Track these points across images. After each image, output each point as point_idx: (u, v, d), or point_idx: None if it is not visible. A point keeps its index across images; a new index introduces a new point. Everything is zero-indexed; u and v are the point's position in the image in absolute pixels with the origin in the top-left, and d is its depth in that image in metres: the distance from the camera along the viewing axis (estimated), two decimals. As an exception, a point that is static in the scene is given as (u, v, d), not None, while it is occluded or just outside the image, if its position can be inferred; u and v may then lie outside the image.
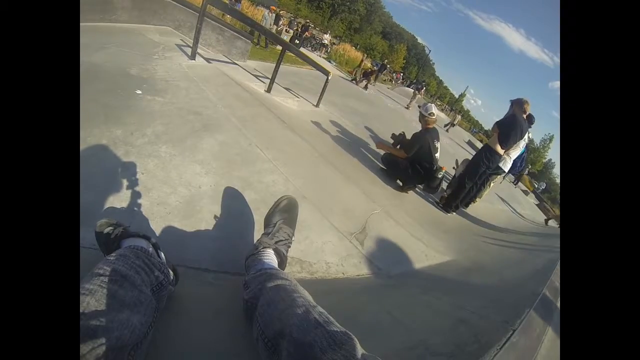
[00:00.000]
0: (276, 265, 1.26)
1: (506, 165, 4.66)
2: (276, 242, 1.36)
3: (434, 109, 4.30)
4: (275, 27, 16.19)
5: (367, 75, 15.29)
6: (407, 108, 15.41)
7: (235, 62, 5.47)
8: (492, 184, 5.41)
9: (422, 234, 2.90)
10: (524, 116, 4.13)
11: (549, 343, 1.26)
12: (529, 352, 1.17)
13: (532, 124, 4.84)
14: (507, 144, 4.05)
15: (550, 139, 58.79)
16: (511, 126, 3.99)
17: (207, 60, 4.40)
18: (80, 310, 0.66)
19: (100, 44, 3.27)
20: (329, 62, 18.63)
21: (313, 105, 5.58)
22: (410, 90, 20.88)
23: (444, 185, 4.76)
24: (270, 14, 16.02)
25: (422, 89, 19.70)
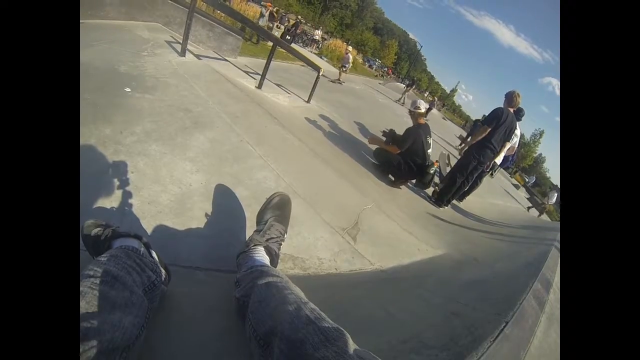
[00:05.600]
0: (267, 263, 1.25)
1: (498, 158, 4.70)
2: (267, 240, 1.35)
3: (420, 104, 4.31)
4: (269, 24, 16.12)
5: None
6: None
7: (226, 58, 5.43)
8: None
9: (414, 228, 2.91)
10: (513, 110, 4.15)
11: (542, 334, 1.27)
12: (521, 343, 1.18)
13: (522, 116, 4.88)
14: (496, 135, 4.06)
15: (541, 134, 59.44)
16: (494, 119, 4.01)
17: (197, 56, 4.37)
18: None
19: (88, 41, 3.22)
20: (320, 57, 18.60)
21: (304, 101, 5.56)
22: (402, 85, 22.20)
23: (436, 179, 4.79)
24: (266, 11, 15.97)
25: (412, 85, 21.26)
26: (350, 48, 18.27)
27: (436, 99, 23.01)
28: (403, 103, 16.72)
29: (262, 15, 15.23)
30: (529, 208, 12.74)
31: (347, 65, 14.68)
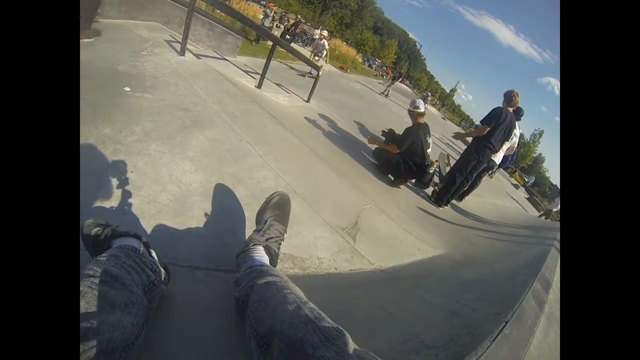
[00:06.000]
0: (267, 262, 1.25)
1: (497, 158, 4.71)
2: (267, 239, 1.35)
3: (419, 103, 4.31)
4: (270, 24, 16.21)
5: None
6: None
7: (226, 57, 5.42)
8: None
9: (414, 228, 2.91)
10: (512, 109, 4.15)
11: (541, 334, 1.27)
12: (521, 342, 1.18)
13: (522, 116, 4.88)
14: (495, 135, 4.06)
15: (540, 134, 59.44)
16: (493, 118, 4.01)
17: (197, 56, 4.36)
18: None
19: (87, 41, 3.22)
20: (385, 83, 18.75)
21: (304, 100, 5.56)
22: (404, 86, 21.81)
23: (436, 179, 4.79)
24: (271, 12, 16.07)
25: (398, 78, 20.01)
26: (325, 33, 14.86)
27: (429, 93, 22.46)
28: (387, 95, 16.33)
29: (266, 15, 15.29)
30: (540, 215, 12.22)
31: (320, 55, 12.75)
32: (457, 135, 4.82)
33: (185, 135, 2.25)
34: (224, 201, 1.89)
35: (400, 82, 18.80)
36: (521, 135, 5.28)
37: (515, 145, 5.16)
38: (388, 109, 12.33)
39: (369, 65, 44.09)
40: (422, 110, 4.28)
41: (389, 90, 17.14)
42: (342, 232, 2.19)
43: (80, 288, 0.72)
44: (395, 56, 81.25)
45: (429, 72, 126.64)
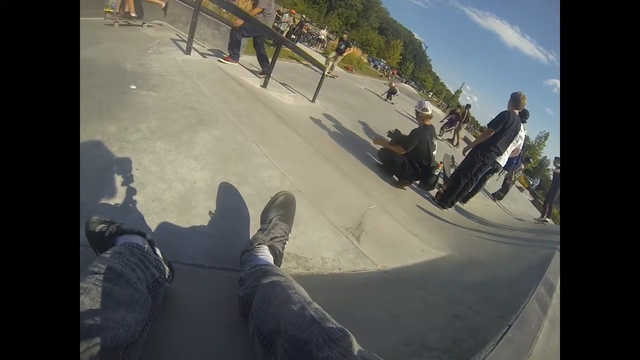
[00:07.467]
0: (271, 262, 1.25)
1: (502, 160, 4.69)
2: (271, 239, 1.35)
3: (427, 105, 4.31)
4: (276, 24, 16.21)
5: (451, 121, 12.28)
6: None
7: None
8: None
9: (418, 230, 2.90)
10: (518, 112, 4.15)
11: (544, 338, 1.26)
12: (524, 347, 1.17)
13: (527, 118, 4.86)
14: (501, 139, 4.07)
15: (546, 136, 59.10)
16: (501, 122, 4.01)
17: (203, 55, 4.38)
18: None
19: (93, 39, 3.24)
20: (326, 57, 18.49)
21: (309, 100, 5.56)
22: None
23: (440, 180, 4.77)
24: (290, 17, 16.09)
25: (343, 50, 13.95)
26: None
27: (394, 79, 17.99)
28: (333, 76, 11.73)
29: (282, 20, 15.26)
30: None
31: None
32: (467, 147, 4.78)
33: (191, 134, 2.26)
34: (229, 200, 1.90)
35: (344, 55, 13.45)
36: (526, 138, 5.26)
37: (521, 148, 5.14)
38: (392, 109, 12.29)
39: (374, 66, 43.94)
40: (430, 112, 4.28)
41: (333, 65, 12.80)
42: (346, 232, 2.19)
43: (85, 285, 0.72)
44: (401, 57, 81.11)
45: (434, 73, 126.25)
